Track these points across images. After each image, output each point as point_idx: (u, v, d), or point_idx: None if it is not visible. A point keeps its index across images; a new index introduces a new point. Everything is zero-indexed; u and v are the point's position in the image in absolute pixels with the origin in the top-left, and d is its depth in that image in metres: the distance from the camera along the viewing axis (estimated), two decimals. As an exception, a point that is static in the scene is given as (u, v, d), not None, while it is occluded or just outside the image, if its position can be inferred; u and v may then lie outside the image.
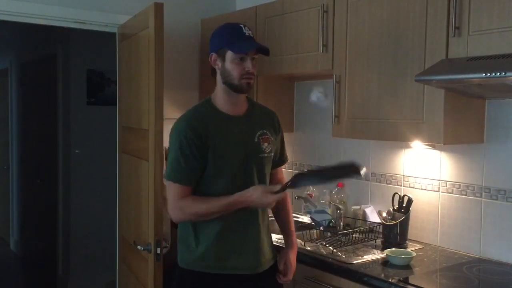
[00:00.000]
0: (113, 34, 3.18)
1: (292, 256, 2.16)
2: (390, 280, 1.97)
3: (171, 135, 2.03)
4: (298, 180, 1.94)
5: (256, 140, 2.04)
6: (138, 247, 2.56)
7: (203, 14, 3.44)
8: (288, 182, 1.93)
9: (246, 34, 1.98)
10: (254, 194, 1.90)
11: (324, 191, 2.90)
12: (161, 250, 2.43)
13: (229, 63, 1.96)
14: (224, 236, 2.00)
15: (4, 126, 6.36)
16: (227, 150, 1.98)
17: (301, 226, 2.73)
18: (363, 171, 1.88)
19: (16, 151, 6.13)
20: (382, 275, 2.05)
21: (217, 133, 1.98)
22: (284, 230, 2.24)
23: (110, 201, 3.38)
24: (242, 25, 2.00)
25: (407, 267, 2.15)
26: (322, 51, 2.55)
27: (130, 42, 2.92)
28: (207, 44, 2.08)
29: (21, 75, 5.94)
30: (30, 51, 5.59)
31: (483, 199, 2.30)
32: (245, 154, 2.01)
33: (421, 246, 2.44)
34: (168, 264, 2.48)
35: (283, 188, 1.91)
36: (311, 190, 3.03)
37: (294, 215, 3.08)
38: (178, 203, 1.97)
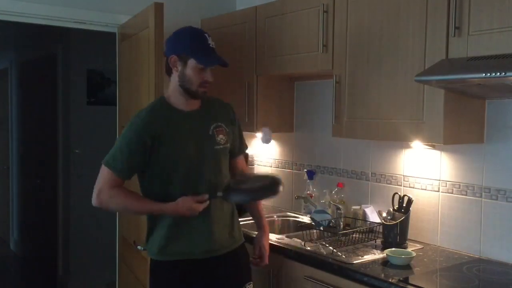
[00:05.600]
0: (113, 34, 3.19)
1: (265, 241, 2.33)
2: (390, 280, 1.97)
3: (125, 127, 2.10)
4: (230, 194, 2.07)
5: (210, 132, 2.12)
6: (138, 247, 2.56)
7: (203, 14, 3.44)
8: (220, 193, 2.05)
9: (211, 45, 2.06)
10: (184, 206, 1.99)
11: (324, 191, 2.90)
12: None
13: (189, 70, 2.03)
14: (175, 225, 2.07)
15: (4, 126, 6.36)
16: (180, 145, 2.07)
17: (301, 226, 2.73)
18: (280, 188, 2.07)
19: (16, 151, 6.13)
20: (382, 275, 2.05)
21: (171, 129, 2.07)
22: (253, 214, 2.38)
23: (110, 201, 3.37)
24: (206, 35, 2.07)
25: (407, 267, 2.15)
26: (322, 51, 2.55)
27: (130, 42, 2.92)
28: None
29: (21, 75, 5.94)
30: (30, 51, 5.59)
31: (483, 199, 2.30)
32: (199, 148, 2.09)
33: (421, 246, 2.44)
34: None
35: (212, 197, 2.03)
36: (311, 190, 3.03)
37: (294, 215, 3.10)
38: (108, 191, 2.05)
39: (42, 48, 5.21)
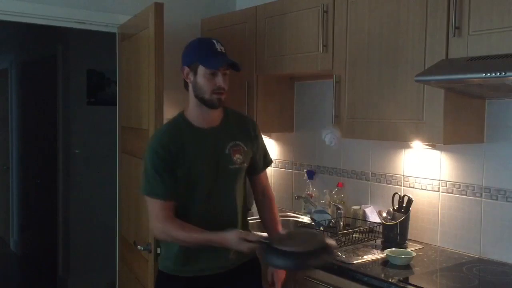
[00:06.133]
0: (113, 34, 3.18)
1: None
2: (390, 280, 1.97)
3: (145, 152, 2.06)
4: (268, 256, 1.81)
5: (227, 151, 2.05)
6: (138, 247, 2.56)
7: (203, 14, 3.44)
8: (265, 242, 1.83)
9: (218, 49, 2.00)
10: (231, 239, 1.88)
11: (324, 191, 2.90)
12: (161, 250, 2.43)
13: (200, 78, 1.98)
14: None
15: (4, 126, 6.36)
16: (199, 164, 2.01)
17: (301, 226, 2.73)
18: (334, 251, 1.86)
19: (16, 151, 6.13)
20: (382, 275, 2.05)
21: (189, 147, 2.01)
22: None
23: (110, 201, 3.38)
24: (214, 41, 2.02)
25: (407, 267, 2.15)
26: (322, 51, 2.55)
27: (130, 42, 2.92)
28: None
29: (21, 75, 5.94)
30: (30, 51, 5.59)
31: (483, 199, 2.30)
32: (217, 167, 2.03)
33: (421, 246, 2.44)
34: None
35: (258, 242, 1.84)
36: (311, 190, 3.03)
37: (293, 215, 3.10)
38: (162, 224, 1.98)
39: (42, 48, 5.21)
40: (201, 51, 2.00)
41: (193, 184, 2.00)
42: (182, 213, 2.00)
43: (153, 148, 2.02)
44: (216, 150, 2.05)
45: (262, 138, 2.25)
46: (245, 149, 2.10)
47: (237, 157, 2.07)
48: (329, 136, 1.89)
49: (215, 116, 2.08)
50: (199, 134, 2.04)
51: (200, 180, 2.01)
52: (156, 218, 1.99)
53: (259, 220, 2.35)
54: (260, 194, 2.29)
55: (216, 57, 1.98)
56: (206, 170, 2.01)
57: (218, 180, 2.04)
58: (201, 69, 1.98)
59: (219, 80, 1.97)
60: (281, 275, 2.20)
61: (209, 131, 2.06)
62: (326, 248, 1.81)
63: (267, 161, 2.29)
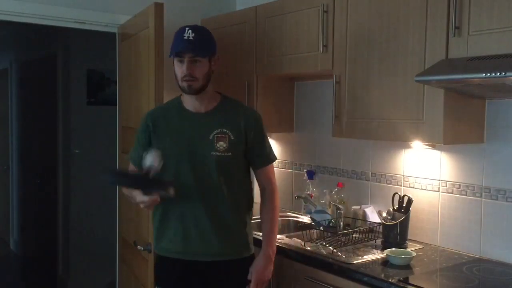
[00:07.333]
0: (113, 34, 3.19)
1: (259, 269, 2.15)
2: (390, 280, 1.97)
3: None
4: (112, 175, 2.13)
5: (211, 137, 2.10)
6: (138, 247, 2.56)
7: (203, 14, 3.44)
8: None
9: (185, 37, 2.05)
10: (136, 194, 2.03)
11: (324, 191, 2.90)
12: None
13: (174, 66, 2.10)
14: (165, 219, 2.15)
15: (4, 125, 6.36)
16: (172, 143, 2.11)
17: (301, 226, 2.73)
18: (171, 191, 1.97)
19: (16, 151, 6.13)
20: (382, 275, 2.05)
21: (169, 127, 2.14)
22: (263, 238, 2.23)
23: (110, 201, 3.38)
24: (187, 28, 2.07)
25: (407, 267, 2.15)
26: (322, 51, 2.55)
27: (130, 42, 2.92)
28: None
29: (21, 75, 5.94)
30: (30, 51, 5.59)
31: (483, 199, 2.30)
32: (192, 149, 2.10)
33: (421, 246, 2.44)
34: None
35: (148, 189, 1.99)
36: (311, 190, 3.03)
37: (294, 215, 3.10)
38: None
39: (42, 48, 5.21)
40: (173, 40, 2.09)
41: (165, 161, 2.02)
42: None
43: (141, 120, 2.24)
44: (198, 134, 2.11)
45: (263, 133, 2.25)
46: (232, 138, 2.12)
47: (220, 145, 2.10)
48: (149, 159, 1.94)
49: (206, 102, 2.16)
50: (184, 115, 2.15)
51: (169, 158, 2.06)
52: None
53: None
54: (262, 189, 2.29)
55: (180, 45, 2.05)
56: (179, 150, 2.10)
57: (196, 164, 2.09)
58: (174, 58, 2.08)
59: (184, 67, 2.05)
60: (258, 276, 2.14)
61: (194, 116, 2.14)
62: (164, 183, 2.01)
63: (265, 157, 2.25)
